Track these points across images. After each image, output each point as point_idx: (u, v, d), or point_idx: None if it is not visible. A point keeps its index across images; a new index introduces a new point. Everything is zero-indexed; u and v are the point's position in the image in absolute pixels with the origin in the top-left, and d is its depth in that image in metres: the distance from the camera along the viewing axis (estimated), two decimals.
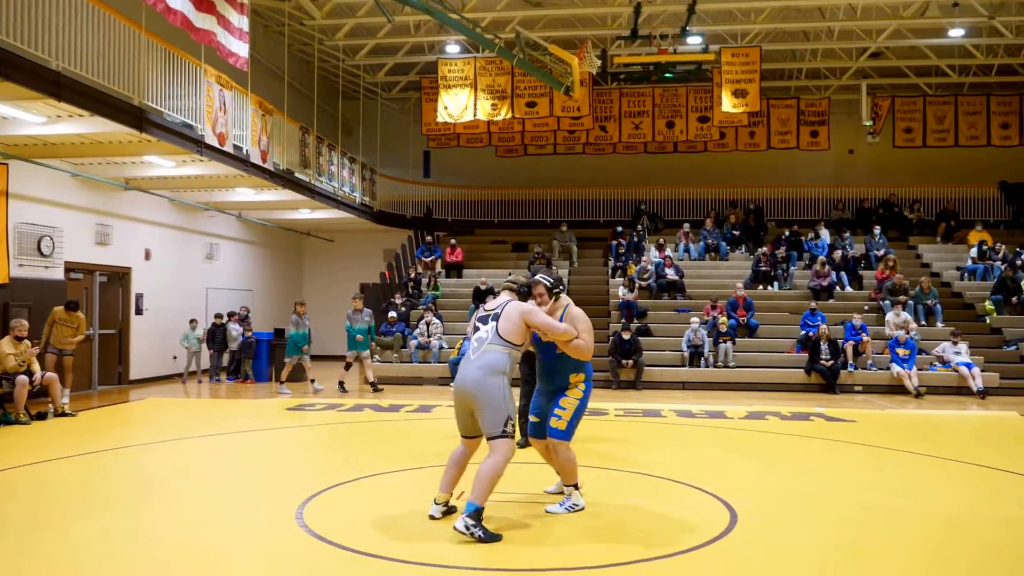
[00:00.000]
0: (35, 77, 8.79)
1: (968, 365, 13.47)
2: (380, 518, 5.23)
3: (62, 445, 7.99)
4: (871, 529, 5.06)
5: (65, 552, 4.49)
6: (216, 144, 12.11)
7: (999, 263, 16.92)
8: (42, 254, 12.14)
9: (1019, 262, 16.59)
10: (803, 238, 18.72)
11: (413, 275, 18.38)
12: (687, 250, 19.20)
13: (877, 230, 18.49)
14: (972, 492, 6.23)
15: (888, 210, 20.26)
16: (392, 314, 15.92)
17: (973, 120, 19.67)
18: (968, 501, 5.89)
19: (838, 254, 17.57)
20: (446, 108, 17.65)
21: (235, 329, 15.32)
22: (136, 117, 10.33)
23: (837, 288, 16.81)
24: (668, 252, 18.35)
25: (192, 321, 15.23)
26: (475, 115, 17.81)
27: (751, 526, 5.07)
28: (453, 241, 19.51)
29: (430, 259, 19.06)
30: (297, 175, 15.28)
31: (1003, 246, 17.46)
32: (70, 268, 12.84)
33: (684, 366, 14.71)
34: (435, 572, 4.18)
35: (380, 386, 13.80)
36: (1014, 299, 15.69)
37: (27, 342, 9.81)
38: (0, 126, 10.49)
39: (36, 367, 9.90)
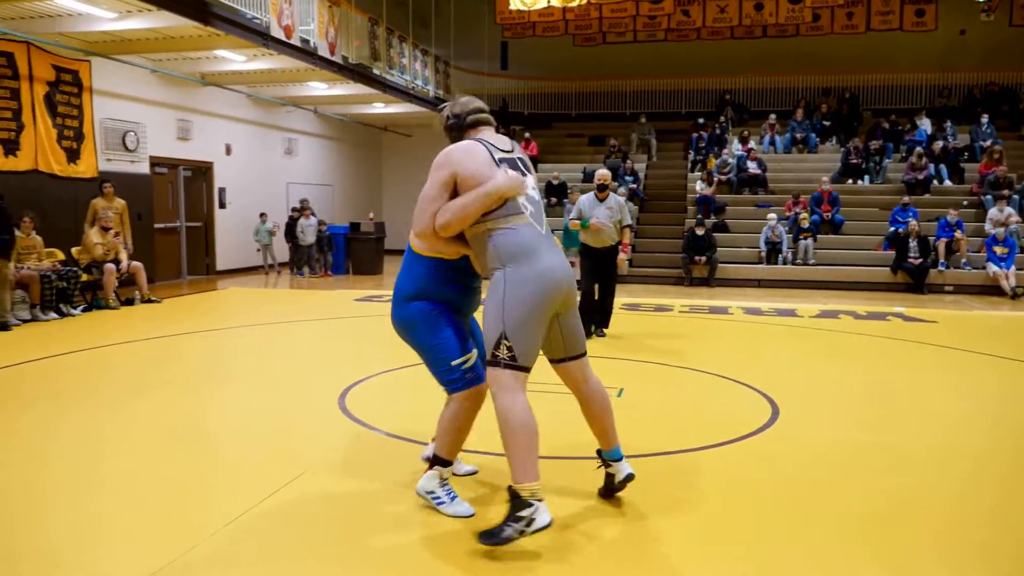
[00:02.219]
0: None
1: None
2: (411, 405, 5.37)
3: (144, 328, 8.51)
4: (921, 432, 4.86)
5: (130, 422, 4.82)
6: (283, 37, 12.07)
7: None
8: (127, 149, 12.60)
9: None
10: (901, 128, 17.51)
11: None
12: (772, 143, 18.30)
13: (984, 119, 17.07)
14: None
15: (1002, 98, 18.61)
16: None
17: None
18: None
19: (938, 145, 16.38)
20: None
21: (305, 224, 15.26)
22: (200, 10, 10.35)
23: (935, 182, 15.75)
24: (752, 144, 17.53)
25: (262, 215, 15.31)
26: (549, 2, 17.14)
27: (790, 422, 4.96)
28: (528, 135, 19.17)
29: None
30: (367, 68, 15.15)
31: None
32: (155, 163, 13.30)
33: (761, 263, 14.27)
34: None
35: None
36: None
37: (113, 231, 10.31)
38: (76, 23, 10.72)
39: (124, 256, 10.42)
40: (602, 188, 7.76)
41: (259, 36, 11.62)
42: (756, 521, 3.37)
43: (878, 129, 17.51)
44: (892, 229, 13.91)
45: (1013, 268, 12.76)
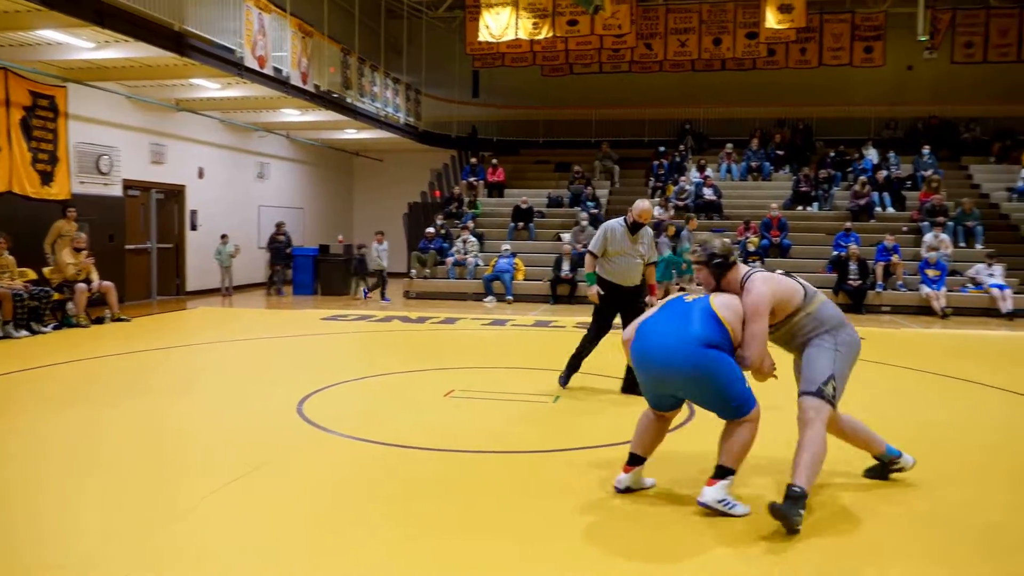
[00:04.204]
0: (78, 5, 9.40)
1: (1001, 287, 13.35)
2: (367, 409, 5.90)
3: (113, 345, 8.93)
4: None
5: (93, 427, 5.30)
6: (256, 67, 12.64)
7: None
8: (101, 172, 13.06)
9: None
10: (849, 158, 18.40)
11: (456, 194, 18.87)
12: (729, 170, 19.11)
13: (926, 150, 18.02)
14: (948, 404, 6.53)
15: (943, 130, 19.61)
16: (429, 230, 16.54)
17: None
18: (912, 407, 6.21)
19: (882, 174, 17.27)
20: (488, 28, 17.72)
21: (379, 248, 15.50)
22: (176, 42, 10.90)
23: (878, 209, 16.61)
24: (709, 172, 18.32)
25: (223, 236, 15.50)
26: (516, 34, 17.84)
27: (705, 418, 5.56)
28: (495, 161, 19.84)
29: (472, 180, 19.47)
30: (338, 96, 15.75)
31: None
32: (128, 185, 13.75)
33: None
34: (397, 452, 4.81)
35: None
36: None
37: (85, 252, 10.74)
38: (55, 51, 11.22)
39: (94, 276, 10.84)
40: (636, 227, 6.40)
41: (233, 66, 12.18)
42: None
43: (828, 159, 18.37)
44: (835, 253, 14.67)
45: (944, 290, 13.55)
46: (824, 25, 19.55)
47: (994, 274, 13.63)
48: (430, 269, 16.17)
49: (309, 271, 16.26)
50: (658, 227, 14.77)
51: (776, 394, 4.75)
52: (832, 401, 3.80)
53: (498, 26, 17.70)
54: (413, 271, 16.14)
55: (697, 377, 3.70)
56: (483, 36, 17.81)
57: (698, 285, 4.08)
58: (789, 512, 3.47)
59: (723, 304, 3.81)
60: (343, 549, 3.34)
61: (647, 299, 6.60)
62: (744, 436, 3.77)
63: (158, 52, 10.88)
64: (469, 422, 5.60)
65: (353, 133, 19.10)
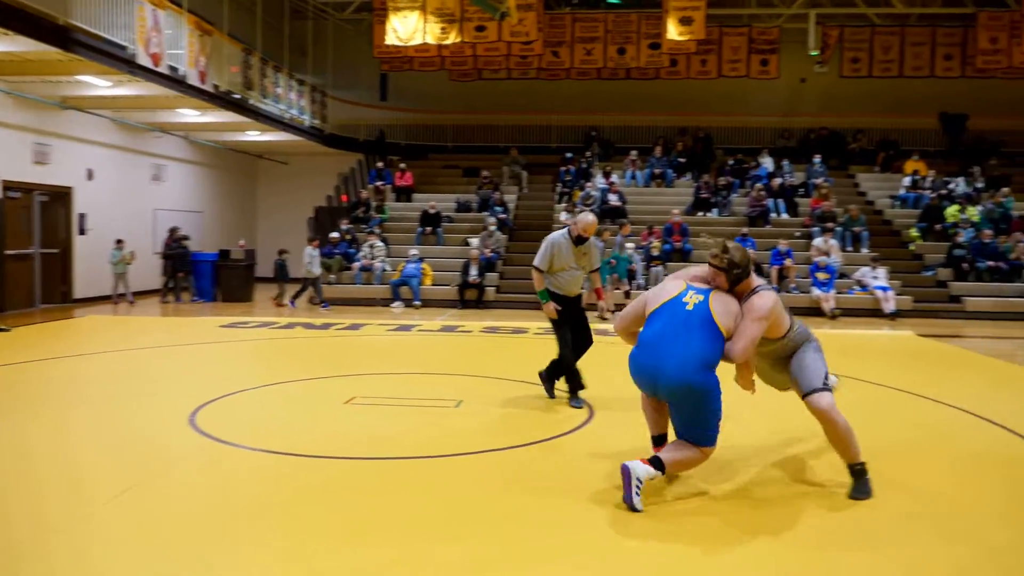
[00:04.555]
0: None
1: (884, 289, 14.11)
2: (263, 419, 5.74)
3: None
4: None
5: None
6: (150, 64, 12.15)
7: (928, 192, 17.45)
8: None
9: (945, 191, 17.12)
10: (747, 166, 19.11)
11: (363, 198, 18.61)
12: (634, 177, 19.55)
13: (817, 159, 18.91)
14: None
15: (832, 140, 20.62)
16: (335, 235, 16.26)
17: (918, 51, 19.85)
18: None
19: (776, 182, 18.01)
20: (395, 31, 17.57)
21: (312, 254, 15.16)
22: (61, 36, 10.37)
23: (773, 215, 17.31)
24: (614, 178, 18.68)
25: (118, 242, 14.92)
26: (424, 39, 17.76)
27: (602, 421, 5.66)
28: (403, 165, 19.69)
29: (379, 184, 19.25)
30: (239, 97, 15.30)
31: (932, 174, 17.98)
32: (8, 187, 12.97)
33: (619, 289, 15.23)
34: (292, 460, 4.69)
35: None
36: (937, 226, 16.29)
37: None
38: None
39: None
40: (581, 240, 6.24)
41: (124, 63, 11.66)
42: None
43: (726, 166, 19.04)
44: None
45: (833, 292, 14.23)
46: (723, 38, 20.25)
47: (878, 277, 14.40)
48: (336, 275, 15.89)
49: (209, 277, 15.71)
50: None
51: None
52: (830, 389, 4.21)
53: (406, 30, 17.59)
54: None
55: (691, 393, 3.90)
56: (391, 39, 17.66)
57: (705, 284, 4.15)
58: (861, 488, 4.07)
59: (723, 312, 3.97)
60: (228, 563, 3.22)
61: (598, 304, 6.66)
62: (691, 457, 4.01)
63: (40, 46, 10.34)
64: (369, 428, 5.52)
65: (256, 135, 18.60)
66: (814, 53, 19.24)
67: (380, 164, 19.95)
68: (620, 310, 4.57)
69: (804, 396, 4.15)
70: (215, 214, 20.29)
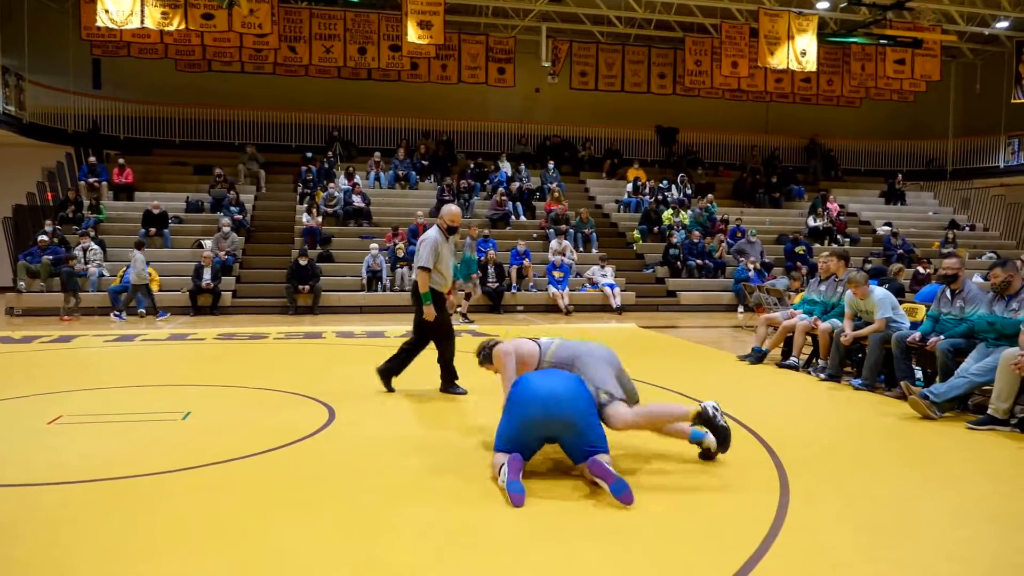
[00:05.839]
0: None
1: (611, 286, 15.28)
2: None
3: None
4: (440, 420, 5.64)
5: None
6: None
7: (647, 197, 19.21)
8: None
9: (662, 196, 18.96)
10: (487, 170, 19.75)
11: (73, 197, 16.60)
12: (377, 179, 19.40)
13: (551, 164, 20.04)
14: None
15: (564, 147, 21.98)
16: (42, 238, 14.33)
17: (637, 68, 21.81)
18: None
19: (515, 186, 18.81)
20: (107, 12, 15.92)
21: None
22: None
23: (513, 217, 18.04)
24: (357, 180, 18.40)
25: None
26: (142, 22, 16.26)
27: (344, 423, 5.45)
28: (122, 161, 17.87)
29: (93, 180, 17.27)
30: None
31: (651, 182, 19.82)
32: None
33: (363, 291, 15.03)
34: None
35: None
36: (656, 228, 17.98)
37: None
38: None
39: None
40: (452, 231, 6.49)
41: None
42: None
43: (468, 170, 19.53)
44: (476, 258, 15.58)
45: (567, 289, 15.15)
46: (462, 44, 20.77)
47: (606, 275, 15.56)
48: (44, 281, 14.01)
49: None
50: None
51: None
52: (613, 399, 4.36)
53: (120, 11, 16.00)
54: (22, 283, 13.87)
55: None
56: (102, 21, 15.96)
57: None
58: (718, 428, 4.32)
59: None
60: None
61: (449, 299, 6.64)
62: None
63: None
64: (77, 449, 4.83)
65: None
66: (546, 64, 20.39)
67: (93, 159, 17.90)
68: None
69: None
70: None
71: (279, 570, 3.07)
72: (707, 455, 4.50)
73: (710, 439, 4.44)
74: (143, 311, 13.53)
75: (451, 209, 6.53)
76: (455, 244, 7.03)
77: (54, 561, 3.15)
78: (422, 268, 6.31)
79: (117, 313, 13.33)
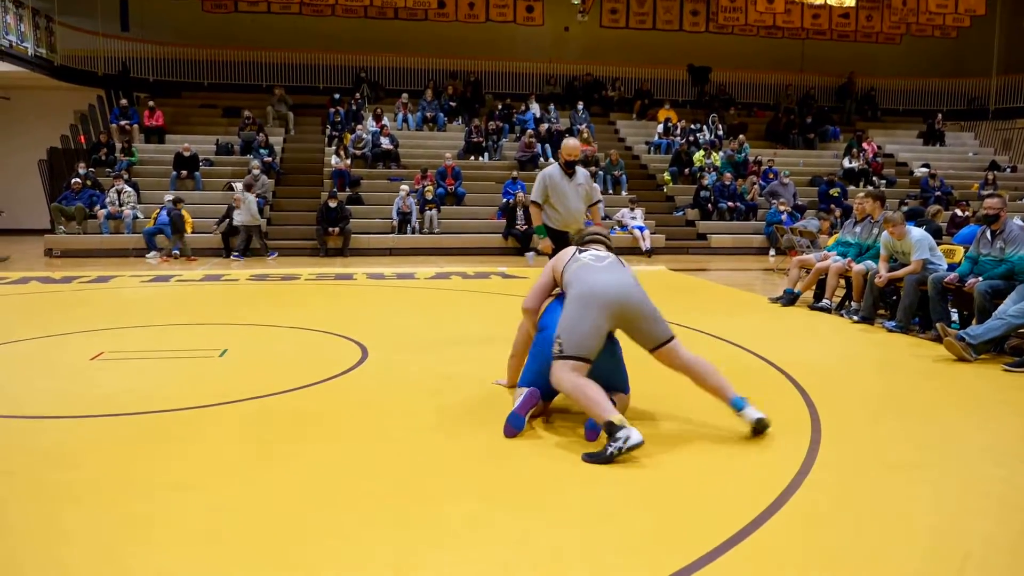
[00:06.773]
0: None
1: (641, 228, 15.16)
2: None
3: None
4: (483, 363, 5.70)
5: None
6: None
7: (678, 138, 18.89)
8: None
9: (693, 138, 18.64)
10: (515, 111, 19.51)
11: (105, 140, 16.72)
12: (405, 120, 19.26)
13: (580, 105, 19.73)
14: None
15: (594, 88, 21.60)
16: (75, 181, 14.51)
17: (668, 5, 21.28)
18: None
19: (544, 127, 18.58)
20: None
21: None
22: None
23: (541, 159, 17.86)
24: (385, 121, 18.28)
25: None
26: None
27: (376, 361, 5.53)
28: (152, 103, 17.91)
29: (125, 123, 17.35)
30: None
31: (682, 123, 19.46)
32: None
33: (393, 233, 15.07)
34: (23, 424, 4.12)
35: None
36: (687, 170, 17.72)
37: None
38: None
39: None
40: (570, 165, 6.13)
41: None
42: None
43: (496, 111, 19.32)
44: (504, 200, 15.54)
45: None
46: None
47: (636, 217, 15.42)
48: (79, 224, 14.24)
49: None
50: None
51: None
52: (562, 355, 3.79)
53: None
54: (61, 227, 14.11)
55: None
56: None
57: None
58: (600, 453, 3.48)
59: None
60: None
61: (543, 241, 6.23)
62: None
63: None
64: (118, 384, 4.97)
65: None
66: (575, 1, 19.92)
67: (124, 102, 17.96)
68: None
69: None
70: None
71: (314, 494, 3.16)
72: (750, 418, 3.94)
73: (748, 413, 3.87)
74: (176, 252, 13.68)
75: (568, 143, 6.17)
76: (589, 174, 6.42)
77: (95, 487, 3.26)
78: (532, 202, 6.27)
79: (152, 254, 13.53)
